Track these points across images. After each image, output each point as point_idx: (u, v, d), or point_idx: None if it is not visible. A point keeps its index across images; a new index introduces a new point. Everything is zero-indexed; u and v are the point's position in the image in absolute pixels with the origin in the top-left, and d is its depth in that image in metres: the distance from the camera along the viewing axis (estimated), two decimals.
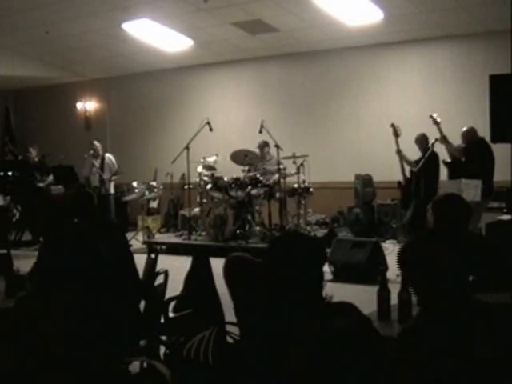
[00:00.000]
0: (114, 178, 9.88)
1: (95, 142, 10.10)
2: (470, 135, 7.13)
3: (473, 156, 6.97)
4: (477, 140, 7.05)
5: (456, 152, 7.08)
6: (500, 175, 6.95)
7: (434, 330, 1.81)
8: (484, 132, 8.52)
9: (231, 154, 9.04)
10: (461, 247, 1.92)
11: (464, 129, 7.23)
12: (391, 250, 7.56)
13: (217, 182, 8.77)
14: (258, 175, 8.74)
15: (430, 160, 7.33)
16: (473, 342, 1.76)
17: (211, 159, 9.31)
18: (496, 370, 1.73)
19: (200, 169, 9.15)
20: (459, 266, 1.89)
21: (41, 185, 9.96)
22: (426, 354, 1.77)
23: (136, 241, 9.07)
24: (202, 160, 9.22)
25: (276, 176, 8.72)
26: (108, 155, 10.16)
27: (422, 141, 7.63)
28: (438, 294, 1.86)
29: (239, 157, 8.99)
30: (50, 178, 10.08)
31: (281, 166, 8.67)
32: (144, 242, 9.15)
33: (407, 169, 7.50)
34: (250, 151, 8.98)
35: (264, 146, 9.23)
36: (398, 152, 7.38)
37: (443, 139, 7.07)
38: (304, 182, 8.94)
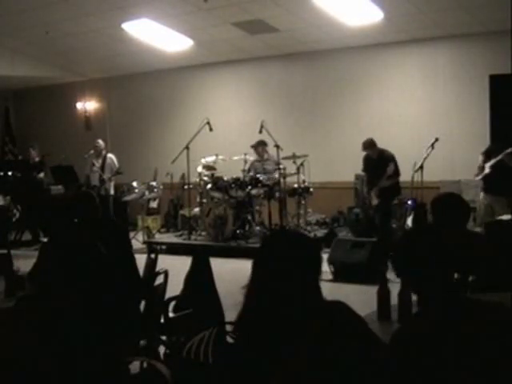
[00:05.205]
0: (113, 177, 9.90)
1: (99, 141, 10.14)
2: None
3: None
4: None
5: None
6: None
7: (427, 330, 1.81)
8: (484, 132, 8.57)
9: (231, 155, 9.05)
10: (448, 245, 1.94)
11: None
12: None
13: (217, 182, 8.78)
14: (258, 175, 8.74)
15: None
16: (467, 342, 1.76)
17: (211, 159, 9.31)
18: (490, 371, 1.73)
19: (200, 169, 9.15)
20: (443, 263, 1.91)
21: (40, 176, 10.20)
22: (416, 354, 1.78)
23: (136, 241, 9.07)
24: (202, 160, 9.22)
25: (276, 176, 8.72)
26: (110, 155, 10.19)
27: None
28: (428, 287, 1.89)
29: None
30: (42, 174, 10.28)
31: (281, 166, 8.67)
32: (144, 242, 9.15)
33: None
34: (246, 160, 8.97)
35: (258, 145, 9.17)
36: None
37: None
38: (304, 181, 8.95)
